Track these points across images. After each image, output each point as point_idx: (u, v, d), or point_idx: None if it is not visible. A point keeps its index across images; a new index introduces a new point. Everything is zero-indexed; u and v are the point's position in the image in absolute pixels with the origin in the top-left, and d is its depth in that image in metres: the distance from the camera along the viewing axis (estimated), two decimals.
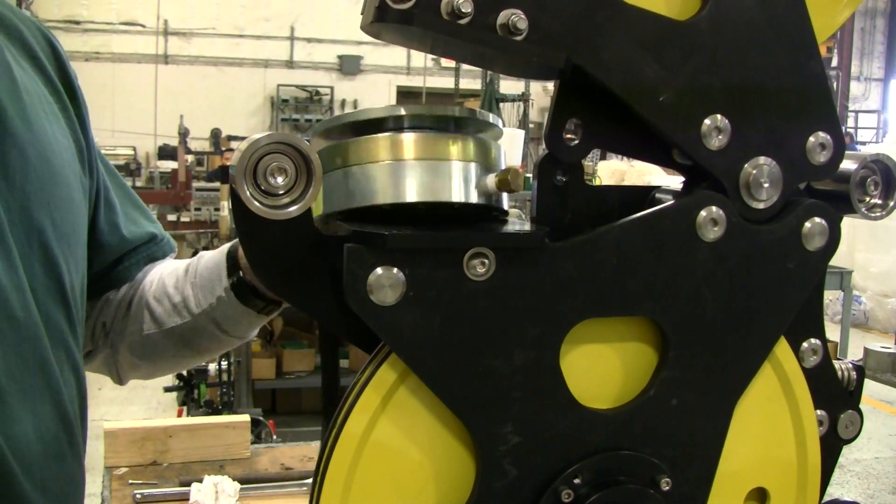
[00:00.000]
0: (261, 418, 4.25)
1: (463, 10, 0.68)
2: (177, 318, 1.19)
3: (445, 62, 15.99)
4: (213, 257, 1.18)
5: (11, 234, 0.95)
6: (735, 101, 0.76)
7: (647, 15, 0.74)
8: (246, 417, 1.99)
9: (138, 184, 13.44)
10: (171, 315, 1.20)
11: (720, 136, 0.76)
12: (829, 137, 0.79)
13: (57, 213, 1.02)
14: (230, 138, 13.90)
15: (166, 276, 1.23)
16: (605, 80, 0.73)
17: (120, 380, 1.31)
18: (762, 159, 0.77)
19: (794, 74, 0.78)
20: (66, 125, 1.10)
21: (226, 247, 1.16)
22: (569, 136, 0.79)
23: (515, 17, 0.70)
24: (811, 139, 0.79)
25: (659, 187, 0.87)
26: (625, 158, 9.37)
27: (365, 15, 0.74)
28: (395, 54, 16.98)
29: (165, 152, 14.96)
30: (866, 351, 4.76)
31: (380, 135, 0.77)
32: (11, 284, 0.94)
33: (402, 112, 0.77)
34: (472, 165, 0.77)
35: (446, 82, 14.98)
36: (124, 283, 1.25)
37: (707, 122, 0.76)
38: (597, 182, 8.13)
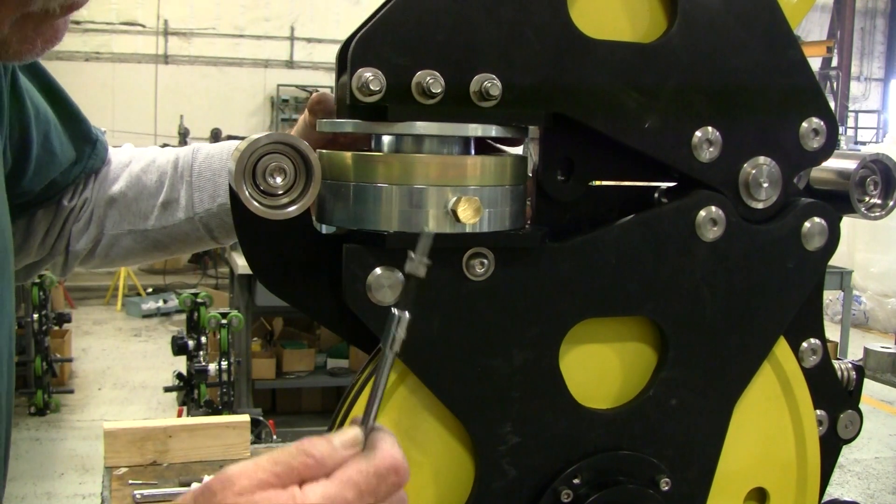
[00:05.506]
0: (261, 418, 4.25)
1: (433, 91, 0.68)
2: (158, 220, 1.07)
3: None
4: (215, 155, 1.04)
5: None
6: (721, 109, 0.76)
7: (616, 46, 0.73)
8: (246, 417, 1.99)
9: None
10: (149, 217, 1.07)
11: (711, 149, 0.76)
12: (821, 122, 0.79)
13: None
14: (230, 138, 13.87)
15: (141, 171, 1.09)
16: (587, 120, 0.73)
17: (63, 274, 1.18)
18: (761, 159, 0.77)
19: (775, 67, 0.77)
20: None
21: (230, 143, 1.04)
22: (562, 177, 0.79)
23: (488, 83, 0.69)
24: (804, 125, 0.79)
25: (659, 187, 0.87)
26: None
27: (339, 111, 0.73)
28: None
29: None
30: (866, 351, 4.76)
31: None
32: None
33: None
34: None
35: None
36: (54, 198, 1.11)
37: (698, 133, 0.76)
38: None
